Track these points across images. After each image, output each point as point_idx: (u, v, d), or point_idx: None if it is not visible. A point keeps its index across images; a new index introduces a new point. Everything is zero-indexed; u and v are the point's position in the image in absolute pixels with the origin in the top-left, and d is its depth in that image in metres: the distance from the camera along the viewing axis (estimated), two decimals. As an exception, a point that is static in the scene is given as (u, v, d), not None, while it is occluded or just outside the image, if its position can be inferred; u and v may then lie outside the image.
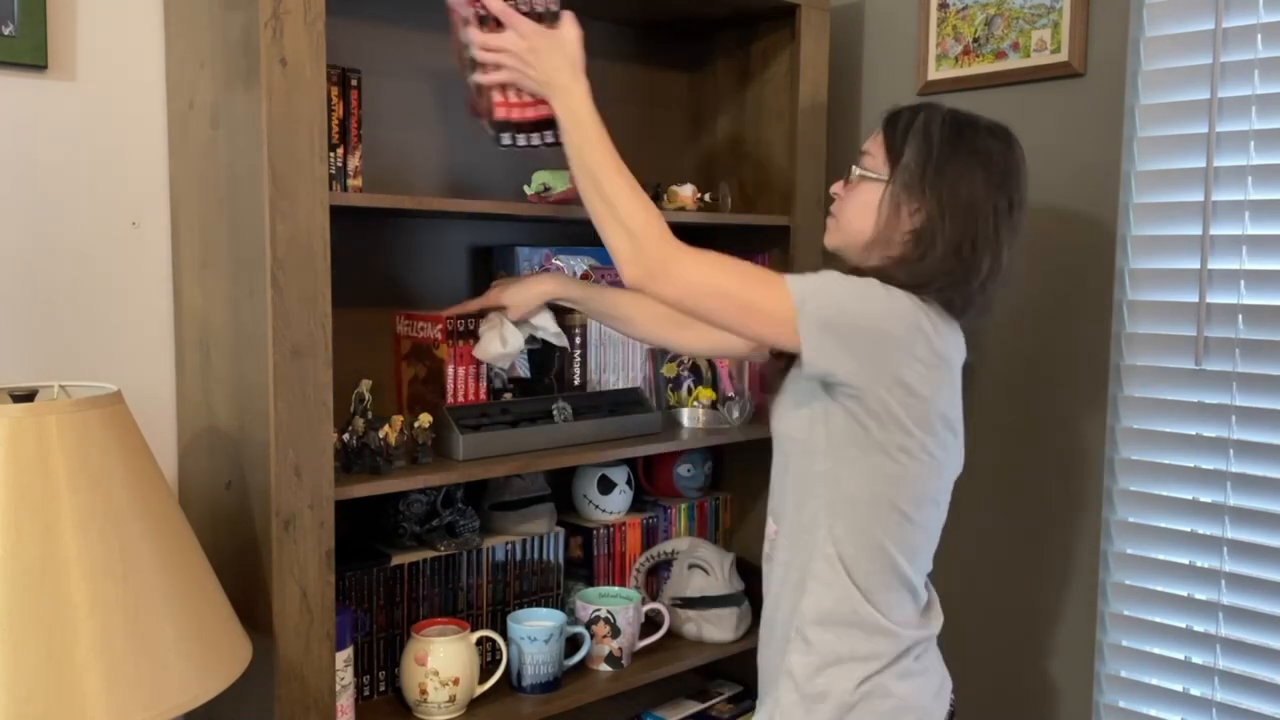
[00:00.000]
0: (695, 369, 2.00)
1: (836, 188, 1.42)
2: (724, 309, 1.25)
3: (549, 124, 1.46)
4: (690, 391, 1.96)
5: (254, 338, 1.36)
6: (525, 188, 1.70)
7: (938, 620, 1.40)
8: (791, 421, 1.35)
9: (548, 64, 1.35)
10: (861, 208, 1.35)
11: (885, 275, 1.28)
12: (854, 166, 1.38)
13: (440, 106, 1.81)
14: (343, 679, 1.50)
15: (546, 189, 1.67)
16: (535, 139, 1.50)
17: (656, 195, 1.87)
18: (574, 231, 2.01)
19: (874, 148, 1.36)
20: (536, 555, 1.82)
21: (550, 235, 1.98)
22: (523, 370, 1.80)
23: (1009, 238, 1.31)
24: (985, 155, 1.30)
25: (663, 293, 1.26)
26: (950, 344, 1.29)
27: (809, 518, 1.33)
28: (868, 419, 1.25)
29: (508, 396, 1.77)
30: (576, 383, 1.85)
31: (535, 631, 1.66)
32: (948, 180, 1.28)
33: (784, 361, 1.38)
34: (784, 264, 1.97)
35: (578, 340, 1.85)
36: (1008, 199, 1.30)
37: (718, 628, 1.92)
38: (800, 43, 1.92)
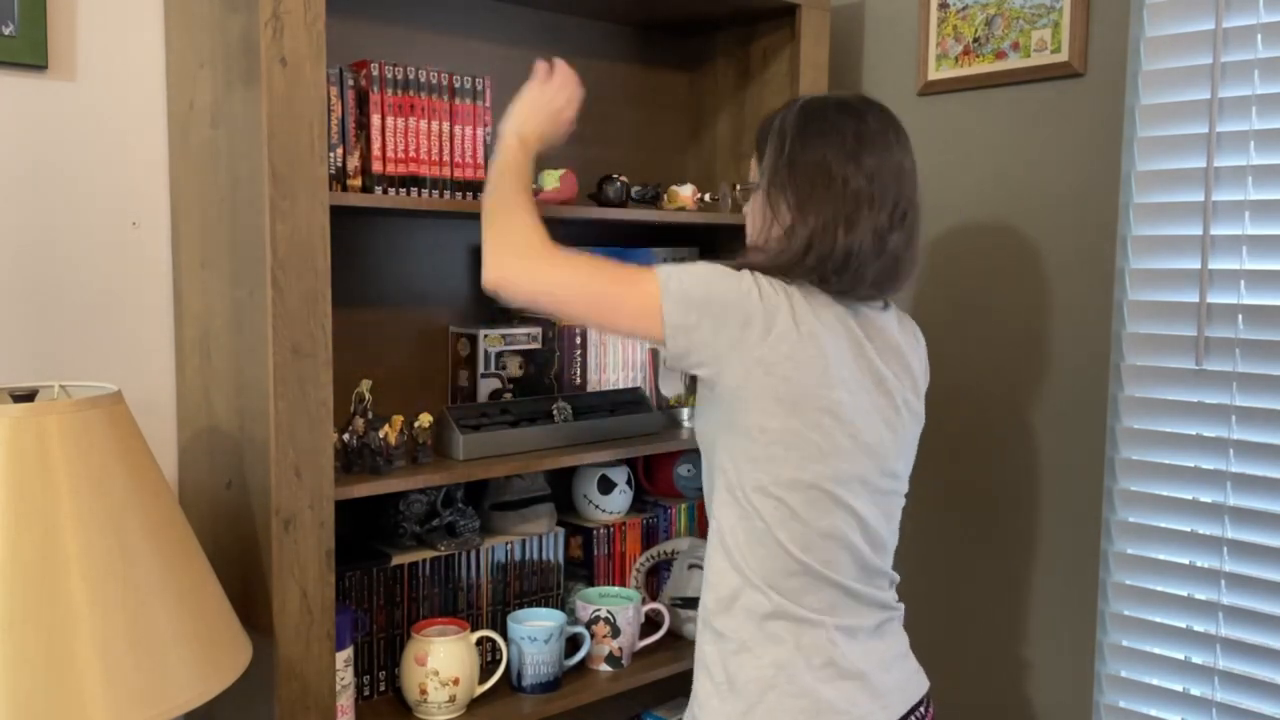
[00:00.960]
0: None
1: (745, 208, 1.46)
2: (579, 304, 1.29)
3: None
4: (690, 391, 1.96)
5: (254, 338, 1.36)
6: None
7: (869, 615, 1.33)
8: (697, 421, 1.38)
9: (516, 114, 1.47)
10: (751, 217, 1.39)
11: (756, 265, 1.30)
12: (736, 185, 1.44)
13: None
14: (343, 679, 1.50)
15: (536, 189, 1.68)
16: None
17: (656, 195, 1.87)
18: (574, 232, 2.01)
19: (754, 161, 1.40)
20: (536, 555, 1.82)
21: (550, 235, 1.98)
22: None
23: (873, 206, 1.28)
24: (834, 133, 1.30)
25: (513, 291, 1.30)
26: (825, 324, 1.27)
27: (711, 509, 1.35)
28: (731, 400, 1.26)
29: (508, 397, 1.77)
30: (577, 383, 1.85)
31: (535, 631, 1.66)
32: (799, 169, 1.30)
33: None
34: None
35: (577, 340, 1.85)
36: (859, 166, 1.28)
37: (718, 628, 1.91)
38: (800, 43, 1.92)
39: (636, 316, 1.26)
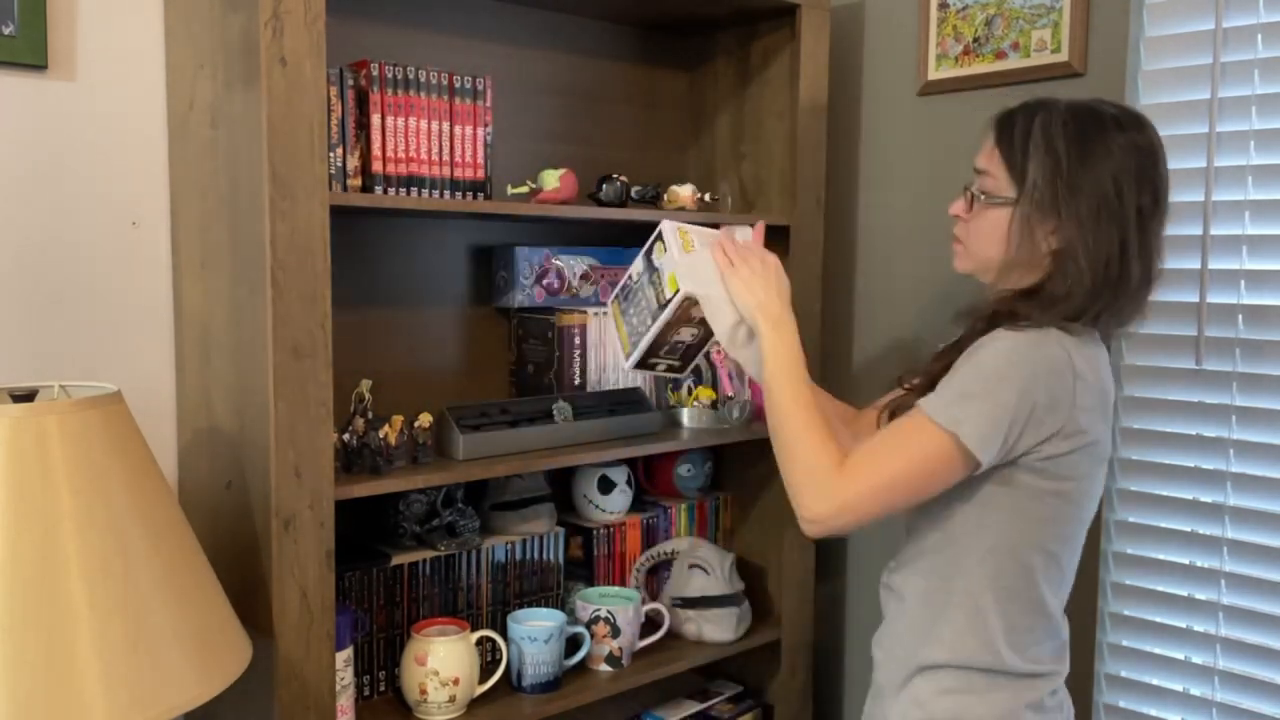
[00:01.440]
0: (695, 369, 1.99)
1: (957, 208, 1.33)
2: (903, 496, 1.21)
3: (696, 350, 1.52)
4: (690, 391, 1.96)
5: (254, 338, 1.36)
6: (510, 187, 1.69)
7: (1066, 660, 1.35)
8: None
9: (767, 289, 1.35)
10: (990, 234, 1.26)
11: (1032, 319, 1.21)
12: (972, 189, 1.30)
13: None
14: (343, 679, 1.50)
15: (535, 189, 1.67)
16: (671, 364, 1.54)
17: (656, 195, 1.87)
18: (574, 232, 2.01)
19: (992, 166, 1.27)
20: (536, 555, 1.82)
21: (550, 235, 1.98)
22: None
23: (1158, 235, 1.23)
24: (1119, 154, 1.20)
25: (844, 527, 1.22)
26: (1103, 374, 1.24)
27: (945, 562, 1.29)
28: (1026, 474, 1.21)
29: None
30: (576, 383, 1.85)
31: (535, 631, 1.66)
32: (1083, 193, 1.19)
33: (914, 397, 1.28)
34: (784, 264, 1.97)
35: (577, 340, 1.85)
36: (1151, 194, 1.21)
37: (718, 628, 1.92)
38: (800, 43, 1.92)
39: (949, 475, 1.20)
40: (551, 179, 1.68)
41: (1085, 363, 1.21)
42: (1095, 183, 1.19)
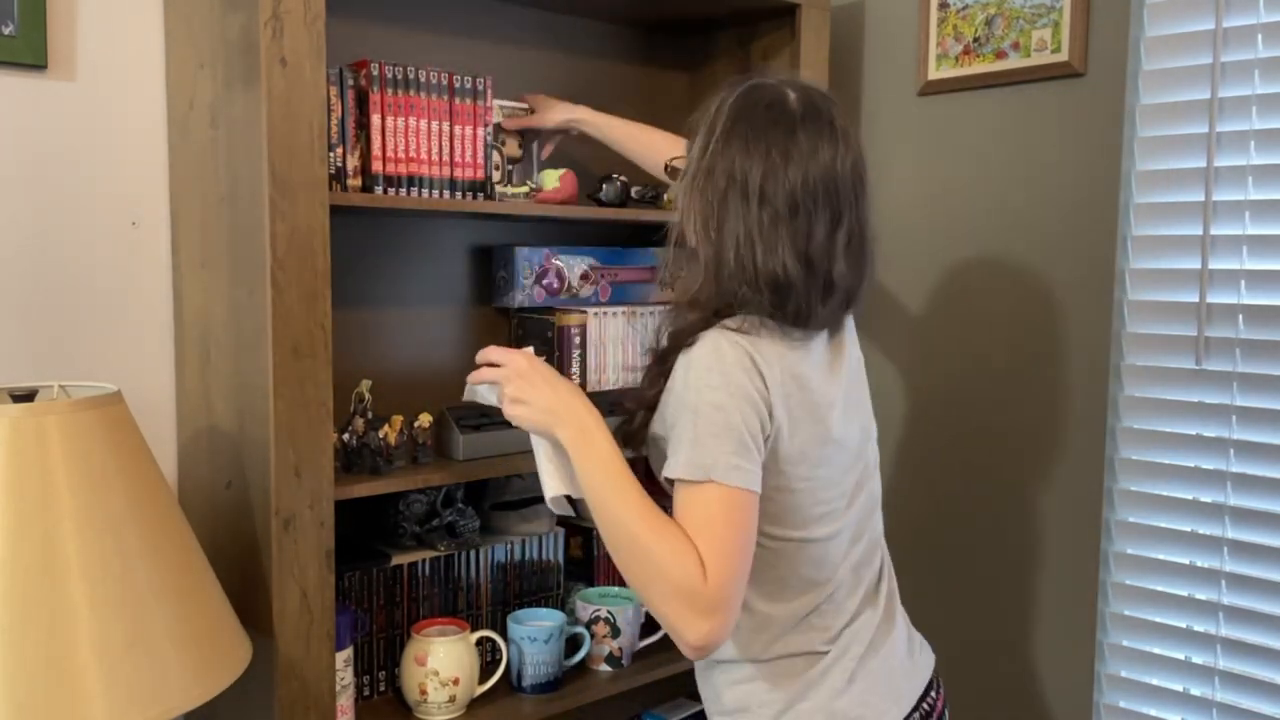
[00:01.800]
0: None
1: None
2: (748, 559, 1.10)
3: None
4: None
5: (254, 338, 1.36)
6: (506, 188, 1.67)
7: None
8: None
9: (538, 393, 1.22)
10: (681, 211, 1.25)
11: (696, 319, 1.17)
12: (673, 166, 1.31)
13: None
14: (343, 679, 1.50)
15: (536, 189, 1.67)
16: None
17: (656, 195, 1.87)
18: (574, 232, 2.01)
19: (684, 146, 1.28)
20: (536, 555, 1.82)
21: (550, 235, 1.98)
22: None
23: (797, 231, 1.15)
24: (761, 140, 1.16)
25: (726, 634, 1.08)
26: (790, 363, 1.17)
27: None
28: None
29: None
30: (576, 383, 1.85)
31: (535, 631, 1.66)
32: (720, 170, 1.17)
33: (639, 416, 1.25)
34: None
35: (577, 340, 1.85)
36: (780, 182, 1.15)
37: (718, 628, 1.91)
38: (800, 43, 1.92)
39: (752, 514, 1.11)
40: (551, 179, 1.68)
41: (756, 346, 1.15)
42: (729, 167, 1.17)
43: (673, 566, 1.06)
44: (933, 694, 1.32)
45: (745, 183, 1.15)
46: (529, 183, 1.69)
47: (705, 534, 1.08)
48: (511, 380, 1.23)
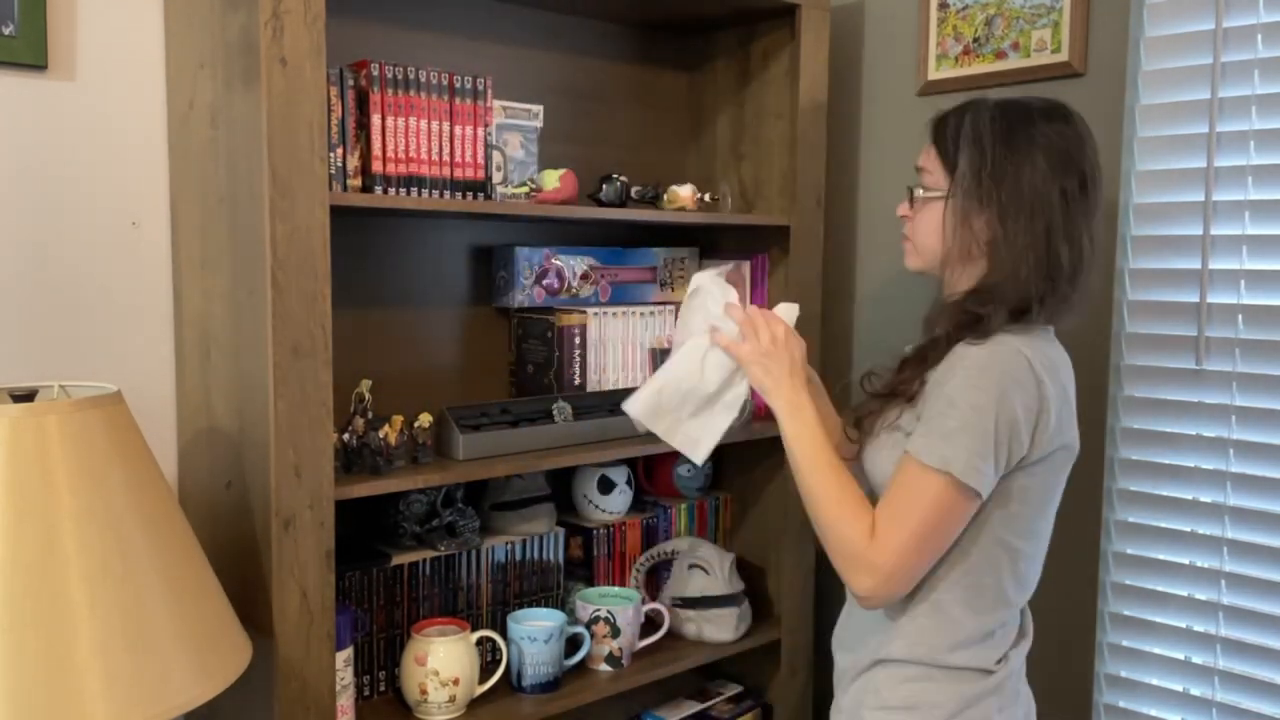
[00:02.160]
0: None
1: (902, 209, 1.38)
2: (933, 545, 1.23)
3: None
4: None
5: (254, 338, 1.36)
6: (503, 187, 1.67)
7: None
8: (887, 462, 1.30)
9: (780, 367, 1.35)
10: (931, 227, 1.31)
11: (984, 321, 1.24)
12: (914, 186, 1.35)
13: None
14: (343, 679, 1.50)
15: (536, 189, 1.66)
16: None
17: (656, 195, 1.87)
18: (574, 231, 2.01)
19: (929, 163, 1.33)
20: (536, 555, 1.82)
21: (550, 235, 1.98)
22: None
23: (1085, 219, 1.26)
24: (1043, 142, 1.25)
25: (897, 592, 1.24)
26: (1062, 374, 1.26)
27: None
28: (1001, 479, 1.24)
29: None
30: (576, 383, 1.85)
31: (535, 631, 1.66)
32: (1008, 179, 1.25)
33: (878, 403, 1.33)
34: (783, 263, 1.97)
35: (577, 340, 1.85)
36: (1076, 178, 1.25)
37: (718, 628, 1.92)
38: (800, 43, 1.92)
39: (964, 512, 1.22)
40: (551, 179, 1.67)
41: (1043, 363, 1.23)
42: (1018, 171, 1.24)
43: (844, 526, 1.23)
44: None
45: (1044, 180, 1.24)
46: (529, 182, 1.69)
47: (904, 510, 1.21)
48: (765, 340, 1.37)
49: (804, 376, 1.37)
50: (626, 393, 1.87)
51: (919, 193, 1.34)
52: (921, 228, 1.33)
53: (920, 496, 1.21)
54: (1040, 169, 1.24)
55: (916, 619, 1.28)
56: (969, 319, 1.26)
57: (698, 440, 1.45)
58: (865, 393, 1.37)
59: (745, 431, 1.93)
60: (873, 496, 1.31)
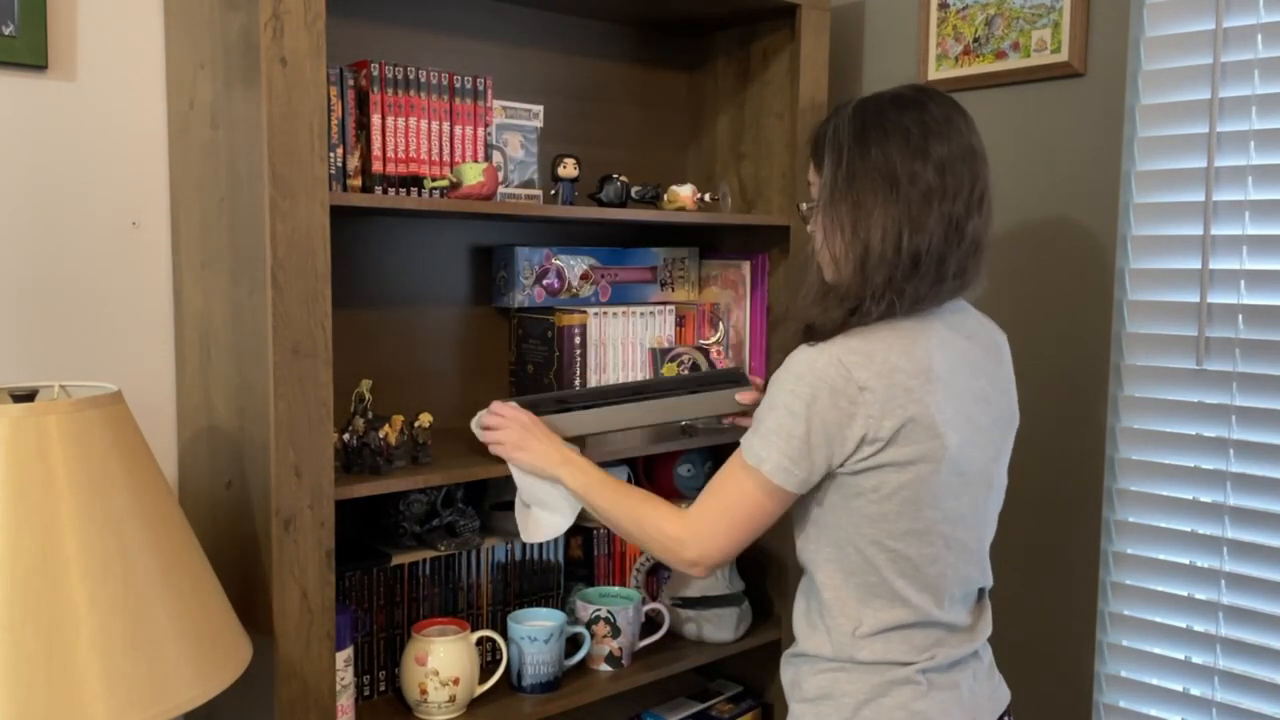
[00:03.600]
0: (695, 369, 2.00)
1: (809, 228, 1.37)
2: (743, 531, 1.29)
3: None
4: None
5: (254, 338, 1.36)
6: (427, 181, 1.58)
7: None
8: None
9: (535, 442, 1.50)
10: (819, 244, 1.32)
11: (829, 329, 1.24)
12: (801, 204, 1.40)
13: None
14: (343, 679, 1.50)
15: (454, 184, 1.58)
16: None
17: (656, 195, 1.87)
18: (574, 231, 2.01)
19: (811, 175, 1.35)
20: (536, 555, 1.82)
21: (550, 235, 1.98)
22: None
23: (945, 197, 1.22)
24: (896, 131, 1.24)
25: (716, 565, 1.33)
26: (906, 366, 1.21)
27: (809, 558, 1.34)
28: (847, 478, 1.25)
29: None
30: (576, 383, 1.85)
31: (535, 631, 1.66)
32: (858, 176, 1.24)
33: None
34: (783, 263, 1.97)
35: (577, 340, 1.85)
36: (927, 158, 1.22)
37: (718, 628, 1.92)
38: (800, 43, 1.92)
39: (775, 504, 1.27)
40: (474, 173, 1.61)
41: (871, 369, 1.20)
42: (868, 166, 1.24)
43: (653, 520, 1.34)
44: None
45: (893, 171, 1.23)
46: (449, 177, 1.61)
47: (717, 490, 1.30)
48: (515, 431, 1.51)
49: (542, 430, 1.51)
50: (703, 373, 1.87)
51: (803, 207, 1.39)
52: (816, 241, 1.33)
53: (733, 485, 1.28)
54: (891, 159, 1.23)
55: (822, 616, 1.31)
56: (811, 319, 1.27)
57: (540, 527, 1.55)
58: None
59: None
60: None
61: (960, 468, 1.25)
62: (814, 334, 1.25)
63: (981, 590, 1.39)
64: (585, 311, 1.86)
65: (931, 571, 1.27)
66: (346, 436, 1.50)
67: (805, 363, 1.22)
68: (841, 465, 1.23)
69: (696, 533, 1.30)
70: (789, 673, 1.37)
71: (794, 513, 1.34)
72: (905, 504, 1.23)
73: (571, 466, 1.45)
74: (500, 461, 1.59)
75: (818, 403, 1.20)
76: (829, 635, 1.30)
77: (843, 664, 1.29)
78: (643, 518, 1.36)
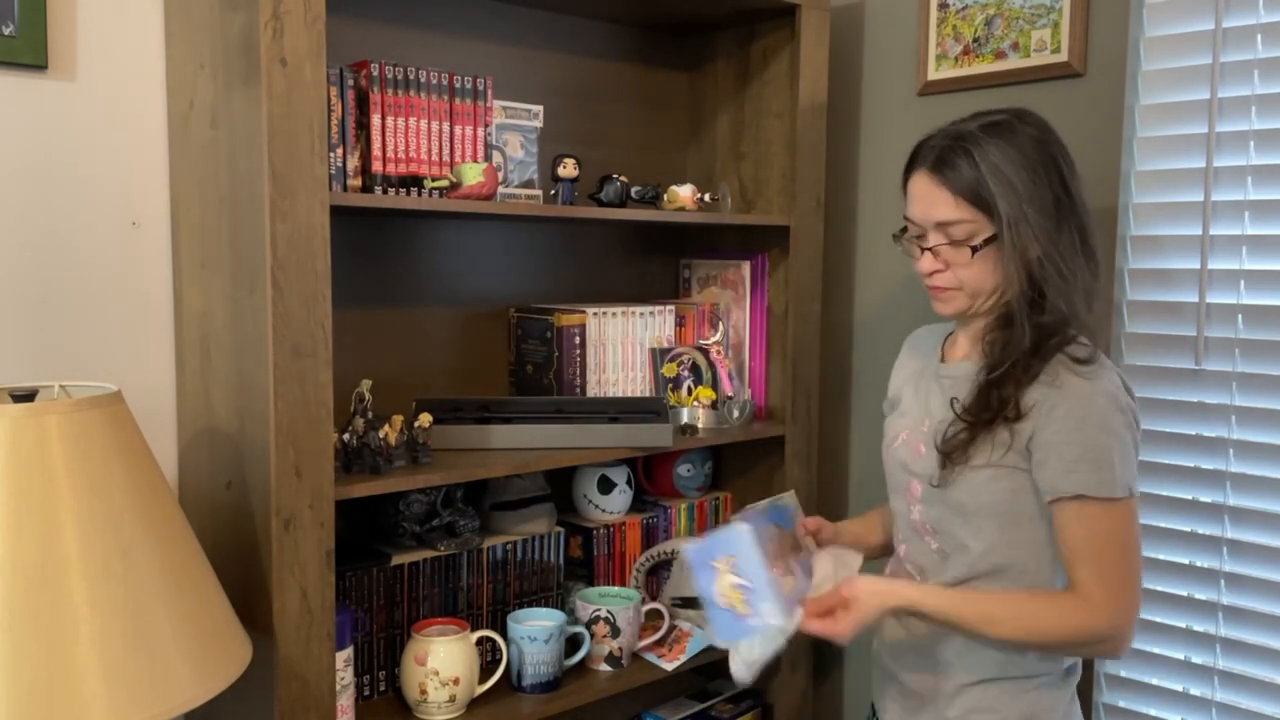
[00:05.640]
0: (695, 368, 2.00)
1: (931, 264, 1.35)
2: (1140, 566, 1.29)
3: None
4: (690, 391, 1.96)
5: (254, 338, 1.36)
6: (427, 181, 1.57)
7: None
8: (990, 492, 1.31)
9: (869, 616, 1.29)
10: (986, 272, 1.32)
11: (1077, 342, 1.30)
12: (937, 244, 1.34)
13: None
14: (343, 679, 1.50)
15: (454, 184, 1.58)
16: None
17: (656, 195, 1.87)
18: (574, 231, 2.01)
19: (961, 211, 1.30)
20: (536, 555, 1.82)
21: (552, 236, 1.98)
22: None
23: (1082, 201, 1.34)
24: (1037, 150, 1.31)
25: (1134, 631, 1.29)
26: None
27: (1012, 578, 1.33)
28: None
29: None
30: (577, 384, 1.85)
31: (535, 631, 1.66)
32: (1039, 201, 1.29)
33: (966, 431, 1.32)
34: (783, 263, 1.97)
35: (577, 340, 1.85)
36: (1068, 164, 1.33)
37: (718, 628, 1.91)
38: (800, 43, 1.92)
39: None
40: (474, 173, 1.60)
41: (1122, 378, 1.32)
42: (1044, 186, 1.30)
43: (1055, 622, 1.25)
44: None
45: (1064, 183, 1.31)
46: (449, 177, 1.60)
47: (1114, 553, 1.25)
48: (848, 622, 1.28)
49: (884, 595, 1.29)
50: (629, 399, 1.88)
51: (960, 245, 1.32)
52: (977, 275, 1.33)
53: (1119, 531, 1.25)
54: (1048, 174, 1.30)
55: None
56: (1051, 336, 1.30)
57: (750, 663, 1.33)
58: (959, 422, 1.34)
59: (745, 431, 1.93)
60: (953, 523, 1.34)
61: None
62: (1067, 352, 1.29)
63: None
64: (584, 311, 1.86)
65: None
66: (346, 436, 1.50)
67: (1100, 386, 1.27)
68: None
69: (1118, 599, 1.24)
70: (978, 695, 1.35)
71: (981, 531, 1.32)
72: None
73: (925, 599, 1.29)
74: (503, 463, 1.59)
75: (1128, 415, 1.28)
76: (1009, 654, 1.34)
77: (1033, 679, 1.35)
78: (1029, 616, 1.26)
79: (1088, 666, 1.81)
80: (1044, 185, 1.29)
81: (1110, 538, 1.25)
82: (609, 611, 1.78)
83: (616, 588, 1.88)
